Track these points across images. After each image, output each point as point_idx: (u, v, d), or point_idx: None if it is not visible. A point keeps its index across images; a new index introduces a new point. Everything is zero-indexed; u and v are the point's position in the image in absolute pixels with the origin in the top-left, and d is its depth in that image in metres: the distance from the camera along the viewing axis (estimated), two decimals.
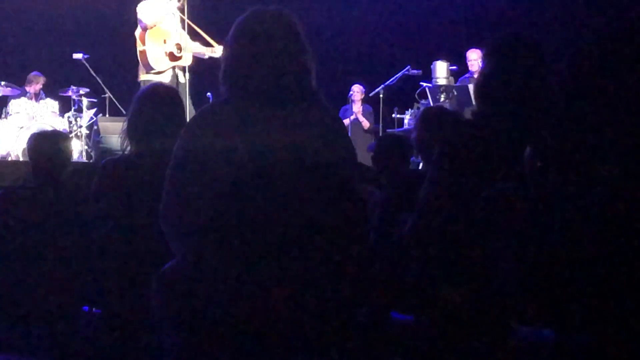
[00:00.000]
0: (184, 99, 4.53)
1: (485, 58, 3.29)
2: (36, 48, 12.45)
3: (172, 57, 8.20)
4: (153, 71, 8.12)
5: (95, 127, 10.35)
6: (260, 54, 2.78)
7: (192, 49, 8.34)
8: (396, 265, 3.52)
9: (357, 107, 11.78)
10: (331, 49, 11.68)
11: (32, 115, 10.65)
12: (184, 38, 8.25)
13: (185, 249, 2.74)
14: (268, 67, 2.77)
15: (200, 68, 8.39)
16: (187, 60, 8.25)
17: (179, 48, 8.19)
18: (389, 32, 13.02)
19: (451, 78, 10.33)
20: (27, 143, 4.41)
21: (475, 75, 9.52)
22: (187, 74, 8.21)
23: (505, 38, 3.25)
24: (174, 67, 8.23)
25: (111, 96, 10.99)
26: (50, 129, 4.90)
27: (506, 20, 11.47)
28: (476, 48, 10.03)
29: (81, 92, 11.11)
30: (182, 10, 8.33)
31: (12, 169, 7.40)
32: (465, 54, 10.35)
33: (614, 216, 2.50)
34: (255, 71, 2.77)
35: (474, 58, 10.11)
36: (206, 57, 8.35)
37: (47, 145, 4.29)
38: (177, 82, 8.03)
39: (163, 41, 8.20)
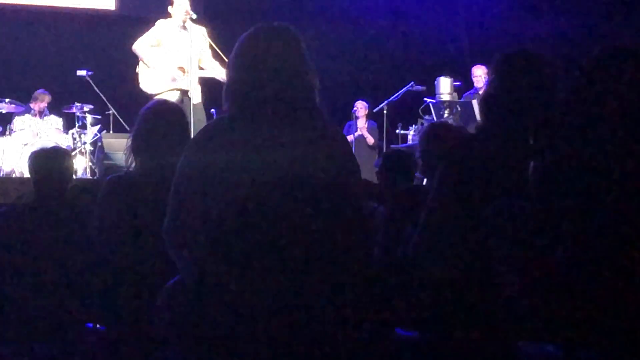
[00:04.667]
0: (189, 120, 4.50)
1: (492, 74, 3.29)
2: (40, 65, 12.48)
3: (172, 79, 8.15)
4: (151, 93, 8.09)
5: (99, 144, 10.36)
6: (263, 70, 2.79)
7: (204, 73, 8.28)
8: (400, 281, 3.51)
9: (362, 123, 11.77)
10: (334, 65, 11.70)
11: (36, 132, 10.67)
12: (194, 63, 8.15)
13: (189, 265, 2.74)
14: (271, 84, 2.77)
15: (205, 86, 8.38)
16: (188, 84, 8.12)
17: (183, 71, 8.15)
18: (392, 48, 13.04)
19: (455, 94, 10.33)
20: (28, 161, 4.40)
21: (481, 92, 9.51)
22: (191, 97, 8.08)
23: (512, 54, 3.25)
24: (178, 90, 8.17)
25: (115, 113, 11.01)
26: (51, 145, 4.91)
27: (510, 36, 11.48)
28: (481, 64, 10.02)
29: (85, 108, 11.12)
30: (209, 36, 8.31)
31: (16, 186, 7.40)
32: (471, 69, 10.35)
33: (619, 230, 2.50)
34: (258, 88, 2.77)
35: (479, 74, 10.07)
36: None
37: (48, 162, 4.28)
38: (182, 102, 7.92)
39: (161, 64, 8.16)
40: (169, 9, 8.28)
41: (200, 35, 8.21)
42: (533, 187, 2.80)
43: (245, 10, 11.77)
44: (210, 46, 8.25)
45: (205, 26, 8.40)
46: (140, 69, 8.27)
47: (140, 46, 8.23)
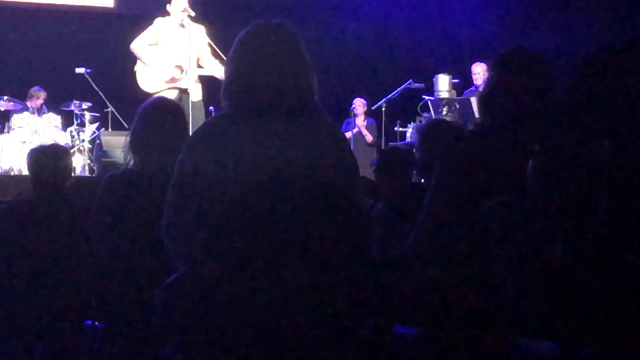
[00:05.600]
0: (188, 117, 4.48)
1: (491, 71, 3.30)
2: (39, 62, 12.49)
3: (170, 79, 8.15)
4: (149, 92, 8.10)
5: (97, 142, 10.36)
6: (262, 68, 2.79)
7: (203, 72, 8.27)
8: (399, 278, 3.51)
9: (360, 121, 11.77)
10: (333, 62, 11.70)
11: (35, 129, 10.65)
12: (192, 61, 8.14)
13: (188, 263, 2.74)
14: (269, 81, 2.77)
15: (204, 83, 8.37)
16: (187, 83, 8.12)
17: (181, 70, 8.14)
18: (390, 45, 13.04)
19: (453, 91, 10.34)
20: (27, 158, 4.41)
21: (480, 89, 9.51)
22: (190, 95, 8.07)
23: (511, 52, 3.25)
24: (176, 88, 8.18)
25: (114, 110, 11.01)
26: (50, 143, 4.96)
27: (509, 34, 11.48)
28: (481, 62, 10.01)
29: (84, 106, 11.11)
30: (207, 34, 8.31)
31: (14, 183, 7.40)
32: (470, 67, 10.34)
33: (618, 229, 2.50)
34: (257, 85, 2.78)
35: (479, 71, 10.06)
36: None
37: (47, 160, 4.28)
38: (180, 100, 7.91)
39: (158, 62, 8.15)
40: (168, 7, 8.29)
41: (198, 34, 8.21)
42: (531, 185, 2.80)
43: (243, 8, 11.77)
44: (209, 45, 8.25)
45: (204, 25, 8.40)
46: (138, 67, 8.27)
47: (138, 45, 8.23)
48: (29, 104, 11.09)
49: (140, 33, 8.29)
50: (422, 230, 3.13)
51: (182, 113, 3.91)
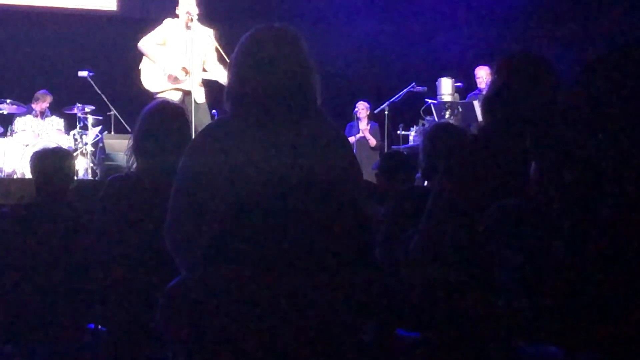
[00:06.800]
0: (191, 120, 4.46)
1: (494, 74, 3.30)
2: (42, 65, 12.49)
3: (174, 79, 8.14)
4: (152, 91, 8.10)
5: (100, 145, 10.36)
6: (264, 71, 2.78)
7: (207, 76, 8.26)
8: (401, 282, 3.51)
9: (364, 125, 11.74)
10: (336, 66, 11.69)
11: (38, 132, 10.67)
12: (196, 64, 8.13)
13: (190, 266, 2.74)
14: (272, 85, 2.77)
15: (207, 86, 8.37)
16: (190, 85, 8.10)
17: (185, 72, 8.13)
18: (393, 48, 13.03)
19: (456, 95, 10.32)
20: (30, 161, 4.42)
21: (483, 93, 9.49)
22: (193, 97, 8.04)
23: (515, 56, 3.26)
24: (179, 90, 8.17)
25: (116, 113, 11.01)
26: (53, 146, 4.98)
27: (512, 38, 11.48)
28: (484, 65, 10.01)
29: (86, 109, 11.11)
30: (216, 38, 8.30)
31: (17, 186, 7.41)
32: (474, 71, 10.34)
33: (621, 232, 2.49)
34: (260, 88, 2.77)
35: (482, 75, 10.06)
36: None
37: (50, 163, 4.29)
38: (183, 102, 7.90)
39: (164, 62, 8.15)
40: (177, 9, 8.30)
41: (205, 37, 8.21)
42: (534, 188, 2.80)
43: (247, 11, 11.77)
44: (216, 49, 8.24)
45: (212, 27, 8.40)
46: (143, 65, 8.27)
47: (145, 44, 8.23)
48: (34, 106, 11.08)
49: (143, 36, 8.29)
50: (425, 233, 3.13)
51: (184, 116, 3.91)
